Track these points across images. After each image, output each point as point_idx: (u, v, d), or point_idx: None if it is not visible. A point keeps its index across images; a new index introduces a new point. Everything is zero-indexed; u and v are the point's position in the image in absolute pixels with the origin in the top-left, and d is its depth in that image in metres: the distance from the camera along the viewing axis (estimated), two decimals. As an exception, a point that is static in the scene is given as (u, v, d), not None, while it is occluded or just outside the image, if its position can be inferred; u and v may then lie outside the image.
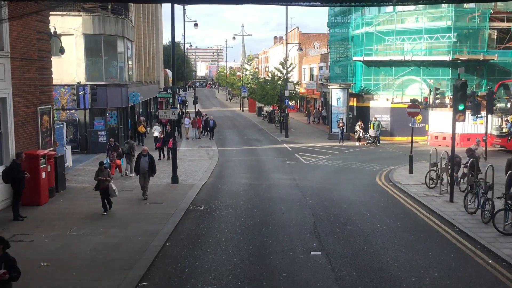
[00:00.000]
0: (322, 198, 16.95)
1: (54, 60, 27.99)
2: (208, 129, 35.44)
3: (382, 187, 19.04)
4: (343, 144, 32.61)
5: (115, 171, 21.30)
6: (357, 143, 33.03)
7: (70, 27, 27.54)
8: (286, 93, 37.55)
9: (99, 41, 28.37)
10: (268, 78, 48.80)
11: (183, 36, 57.98)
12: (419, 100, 33.91)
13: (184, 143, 33.22)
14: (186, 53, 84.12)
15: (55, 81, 28.06)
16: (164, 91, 53.78)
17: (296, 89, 46.61)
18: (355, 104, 37.79)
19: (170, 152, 22.75)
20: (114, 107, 29.33)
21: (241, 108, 66.18)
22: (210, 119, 35.22)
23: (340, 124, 33.30)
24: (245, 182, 20.10)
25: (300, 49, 38.62)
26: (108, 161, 20.95)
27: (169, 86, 61.41)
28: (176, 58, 75.59)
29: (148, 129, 33.79)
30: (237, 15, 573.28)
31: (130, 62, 32.69)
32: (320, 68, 52.56)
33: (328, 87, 36.95)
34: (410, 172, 21.31)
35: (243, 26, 65.18)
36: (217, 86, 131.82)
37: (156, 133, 32.79)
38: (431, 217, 14.42)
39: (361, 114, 36.59)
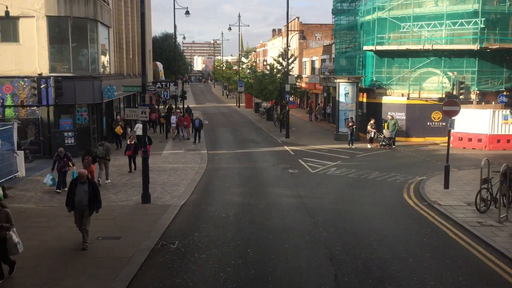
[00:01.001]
0: (340, 229, 12.50)
1: (12, 47, 23.71)
2: (194, 130, 30.19)
3: (416, 209, 14.59)
4: (353, 147, 28.18)
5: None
6: (369, 145, 28.58)
7: (30, 8, 23.07)
8: (287, 87, 33.02)
9: (66, 25, 23.85)
10: (266, 72, 44.24)
11: (174, 26, 53.51)
12: (441, 96, 29.65)
13: (169, 145, 28.72)
14: (178, 45, 79.45)
15: (13, 72, 23.68)
16: (153, 85, 49.38)
17: (297, 84, 42.11)
18: (365, 100, 33.32)
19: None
20: (85, 103, 24.82)
21: (238, 104, 61.67)
22: (196, 118, 30.21)
23: (350, 124, 28.78)
24: (237, 200, 15.64)
25: (303, 37, 34.10)
26: (52, 176, 16.30)
27: (159, 79, 56.95)
28: (168, 50, 71.49)
29: (129, 130, 29.08)
30: (236, 10, 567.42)
31: (106, 51, 28.14)
32: (323, 60, 48.11)
33: (336, 80, 32.44)
34: (446, 186, 16.89)
35: (239, 16, 60.81)
36: (213, 80, 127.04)
37: (139, 132, 28.48)
38: (502, 265, 10.00)
39: (372, 111, 32.15)
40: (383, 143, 28.15)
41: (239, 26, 60.69)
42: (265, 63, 69.57)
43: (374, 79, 32.08)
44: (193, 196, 16.18)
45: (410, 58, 30.82)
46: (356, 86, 31.44)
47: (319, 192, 16.97)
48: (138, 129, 28.77)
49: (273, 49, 76.35)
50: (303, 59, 56.65)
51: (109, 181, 18.26)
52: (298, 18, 63.77)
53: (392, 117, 28.93)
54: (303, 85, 50.87)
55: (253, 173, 20.56)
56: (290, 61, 37.35)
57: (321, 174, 20.23)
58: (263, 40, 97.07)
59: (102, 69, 26.33)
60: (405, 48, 30.15)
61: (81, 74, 24.46)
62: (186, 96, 43.37)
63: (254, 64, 74.00)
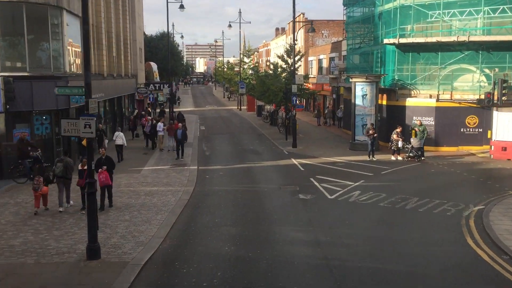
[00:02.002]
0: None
1: (-49, 40, 19.14)
2: (176, 142, 24.23)
3: (497, 269, 9.66)
4: (374, 159, 23.33)
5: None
6: (393, 157, 23.70)
7: (-27, -9, 18.37)
8: (294, 88, 28.15)
9: (20, 12, 19.07)
10: (269, 71, 39.39)
11: (172, 24, 48.87)
12: (478, 97, 24.80)
13: (154, 158, 23.92)
14: (176, 45, 74.92)
15: (-46, 72, 19.18)
16: (145, 87, 44.73)
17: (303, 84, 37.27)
18: (384, 102, 28.40)
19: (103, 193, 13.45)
20: (46, 110, 20.04)
21: (239, 107, 56.90)
22: (180, 127, 24.15)
23: (371, 132, 23.87)
24: (228, 252, 10.78)
25: (313, 29, 29.14)
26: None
27: (153, 81, 52.15)
28: (165, 50, 66.77)
29: (106, 142, 23.97)
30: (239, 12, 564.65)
31: (76, 46, 23.40)
32: (332, 59, 43.32)
33: (351, 80, 27.56)
34: (523, 225, 12.04)
35: (240, 12, 55.82)
36: (214, 82, 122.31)
37: (119, 142, 23.82)
38: None
39: (393, 115, 27.32)
40: (411, 154, 23.30)
41: (239, 23, 55.91)
42: (268, 63, 64.80)
43: (396, 78, 27.28)
44: (165, 244, 11.32)
45: (439, 53, 26.00)
46: (376, 86, 26.55)
47: (345, 234, 12.07)
48: (118, 138, 24.06)
49: (277, 49, 71.69)
50: (309, 58, 51.87)
51: (70, 203, 14.61)
52: (303, 14, 59.14)
53: (421, 122, 24.08)
54: (310, 85, 46.13)
55: (253, 201, 15.66)
56: (296, 58, 32.54)
57: (342, 202, 15.36)
58: (266, 40, 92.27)
59: (68, 68, 21.50)
60: (435, 40, 25.30)
61: (40, 73, 19.71)
62: (176, 100, 38.44)
63: (256, 64, 69.25)
